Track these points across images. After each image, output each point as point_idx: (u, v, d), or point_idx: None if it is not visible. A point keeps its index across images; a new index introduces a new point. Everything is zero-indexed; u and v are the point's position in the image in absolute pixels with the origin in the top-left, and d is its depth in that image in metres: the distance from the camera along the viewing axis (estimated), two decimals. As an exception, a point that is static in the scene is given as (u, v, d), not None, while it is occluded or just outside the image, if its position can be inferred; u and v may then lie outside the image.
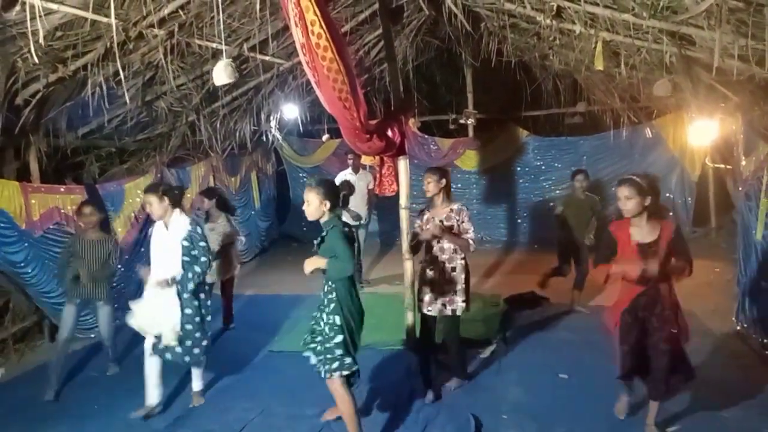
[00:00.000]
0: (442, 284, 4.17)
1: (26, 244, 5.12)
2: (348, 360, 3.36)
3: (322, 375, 3.39)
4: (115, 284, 5.54)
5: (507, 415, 3.93)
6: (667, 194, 8.52)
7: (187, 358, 4.06)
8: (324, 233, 3.41)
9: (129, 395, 4.44)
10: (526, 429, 3.75)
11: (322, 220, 3.41)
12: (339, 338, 3.35)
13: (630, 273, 3.33)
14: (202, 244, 3.99)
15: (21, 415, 4.24)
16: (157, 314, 3.96)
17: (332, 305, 3.36)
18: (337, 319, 3.34)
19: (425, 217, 4.32)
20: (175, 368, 4.73)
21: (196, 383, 4.35)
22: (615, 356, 3.59)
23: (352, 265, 3.26)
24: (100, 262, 4.67)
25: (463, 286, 4.19)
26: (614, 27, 5.02)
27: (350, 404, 3.40)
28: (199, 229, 4.02)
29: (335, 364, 3.34)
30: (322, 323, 3.43)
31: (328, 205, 3.35)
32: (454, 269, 4.18)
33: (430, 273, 4.24)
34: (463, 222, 4.17)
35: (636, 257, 3.33)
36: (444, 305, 4.18)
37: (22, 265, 5.09)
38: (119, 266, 5.44)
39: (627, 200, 3.35)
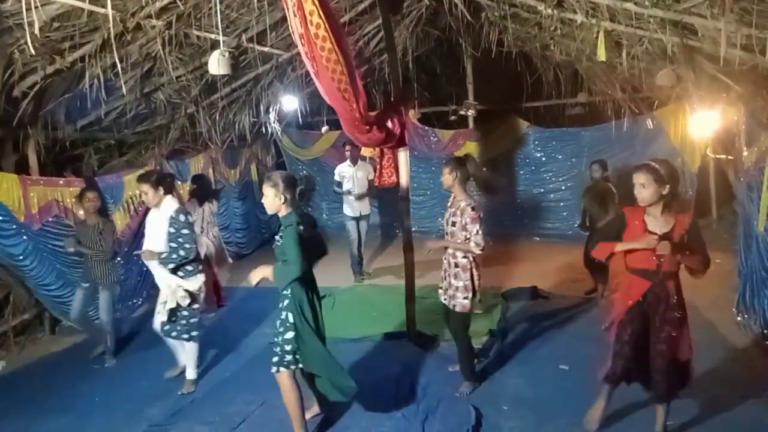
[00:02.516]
0: (447, 278, 4.08)
1: (25, 237, 5.12)
2: (296, 357, 3.35)
3: (271, 369, 3.39)
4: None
5: (507, 406, 3.94)
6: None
7: (174, 334, 4.33)
8: (281, 230, 3.34)
9: (130, 387, 4.46)
10: (527, 420, 3.75)
11: (280, 215, 3.37)
12: (290, 335, 3.33)
13: (639, 246, 3.13)
14: (185, 232, 4.20)
15: (22, 408, 4.24)
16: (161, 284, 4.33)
17: (286, 301, 3.35)
18: (290, 317, 3.33)
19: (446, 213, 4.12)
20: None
21: (189, 372, 4.44)
22: (605, 357, 3.41)
23: (299, 267, 3.21)
24: (99, 246, 4.91)
25: (467, 283, 3.95)
26: (616, 16, 4.98)
27: (295, 399, 3.39)
28: (182, 217, 4.22)
29: (287, 358, 3.35)
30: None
31: (284, 199, 3.31)
32: (456, 265, 3.99)
33: (444, 263, 4.12)
34: (466, 223, 3.90)
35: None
36: (450, 299, 4.06)
37: (21, 257, 5.09)
38: (118, 255, 5.59)
39: (642, 188, 3.14)
